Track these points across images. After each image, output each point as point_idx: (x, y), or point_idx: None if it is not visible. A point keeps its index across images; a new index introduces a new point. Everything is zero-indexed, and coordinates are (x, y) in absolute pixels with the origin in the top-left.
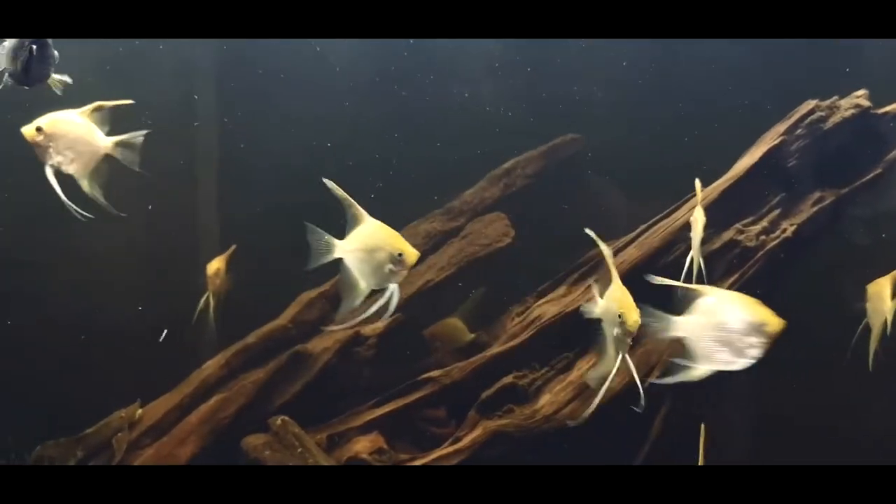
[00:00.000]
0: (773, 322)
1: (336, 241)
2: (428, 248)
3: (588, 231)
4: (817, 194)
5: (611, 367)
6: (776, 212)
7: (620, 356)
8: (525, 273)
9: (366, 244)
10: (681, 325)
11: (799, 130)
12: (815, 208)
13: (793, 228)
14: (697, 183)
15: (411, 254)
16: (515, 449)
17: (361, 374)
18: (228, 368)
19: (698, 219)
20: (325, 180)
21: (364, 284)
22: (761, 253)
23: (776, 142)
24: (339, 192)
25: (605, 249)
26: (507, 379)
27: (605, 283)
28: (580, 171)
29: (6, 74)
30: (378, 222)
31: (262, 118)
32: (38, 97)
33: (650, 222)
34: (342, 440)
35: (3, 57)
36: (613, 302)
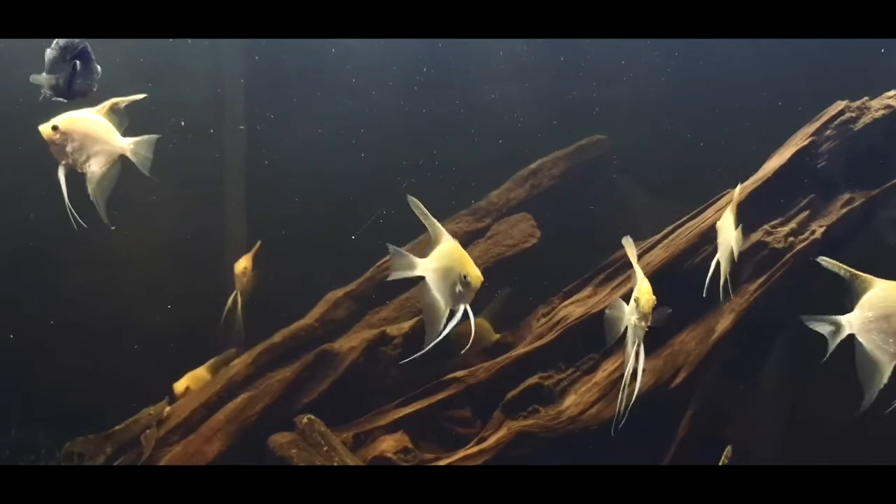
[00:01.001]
0: None
1: (418, 260)
2: None
3: (625, 241)
4: (847, 195)
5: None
6: (805, 213)
7: (636, 344)
8: (551, 274)
9: (441, 264)
10: (849, 324)
11: (828, 131)
12: (844, 210)
13: (822, 230)
14: (737, 190)
15: (475, 276)
16: (540, 449)
17: (387, 374)
18: (255, 367)
19: (726, 226)
20: (410, 197)
21: (443, 304)
22: (790, 255)
23: (805, 143)
24: (421, 208)
25: (630, 249)
26: (533, 379)
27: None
28: (607, 172)
29: (47, 87)
30: (454, 242)
31: (287, 119)
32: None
33: (677, 223)
34: (368, 439)
35: (45, 68)
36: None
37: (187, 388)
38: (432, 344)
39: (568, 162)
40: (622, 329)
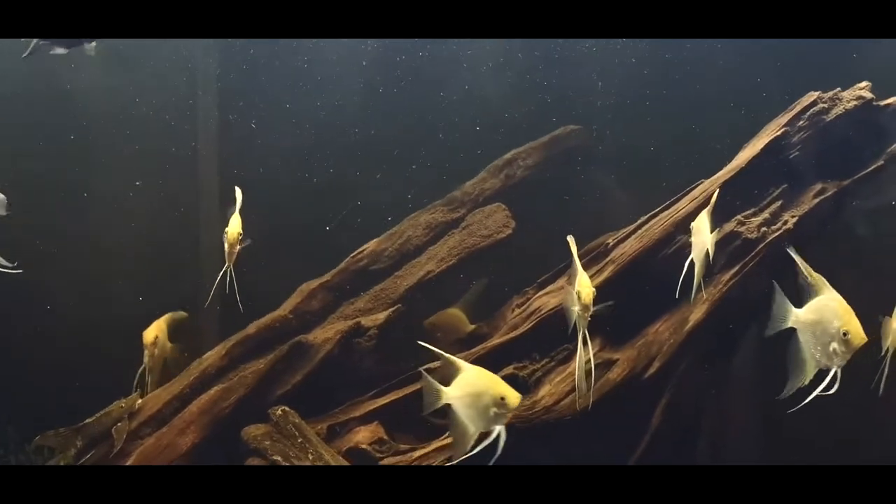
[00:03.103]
0: (857, 335)
1: (444, 389)
2: (429, 239)
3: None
4: (819, 186)
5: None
6: (778, 203)
7: (581, 333)
8: (525, 264)
9: (470, 390)
10: (794, 318)
11: (801, 122)
12: (816, 200)
13: (794, 220)
14: (714, 196)
15: (514, 397)
16: (515, 440)
17: (362, 365)
18: (229, 359)
19: (701, 228)
20: (421, 343)
21: (473, 428)
22: (762, 245)
23: (778, 133)
24: (436, 351)
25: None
26: (508, 370)
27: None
28: (581, 163)
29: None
30: (479, 368)
31: (262, 113)
32: None
33: (651, 214)
34: (342, 431)
35: None
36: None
37: (156, 338)
38: (459, 460)
39: (543, 152)
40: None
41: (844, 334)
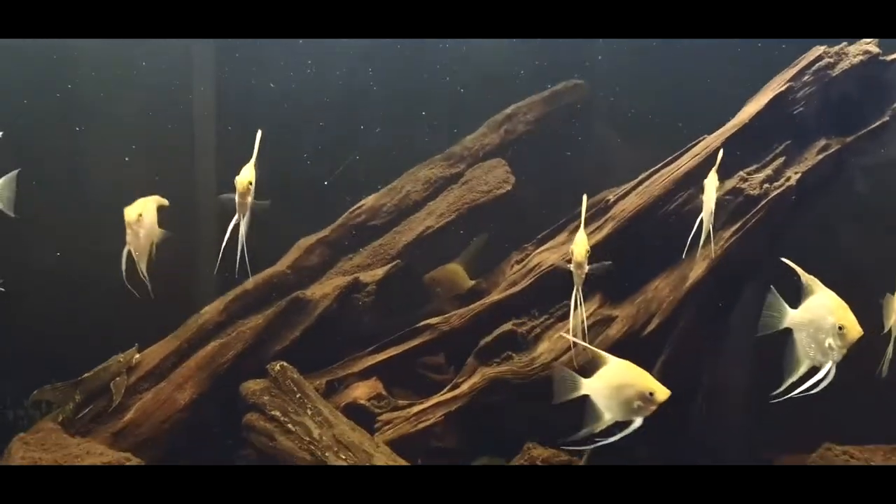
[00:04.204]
0: (853, 329)
1: (582, 380)
2: (428, 195)
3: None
4: (823, 142)
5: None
6: (781, 160)
7: (575, 291)
8: (525, 220)
9: (614, 382)
10: (790, 318)
11: (806, 77)
12: (819, 157)
13: (797, 177)
14: (720, 153)
15: (663, 392)
16: (514, 396)
17: (361, 321)
18: (227, 314)
19: (711, 184)
20: (564, 334)
21: (609, 416)
22: (765, 202)
23: (783, 88)
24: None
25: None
26: (507, 326)
27: None
28: (582, 118)
29: None
30: (626, 362)
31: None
32: None
33: (652, 170)
34: (341, 386)
35: None
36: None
37: (140, 216)
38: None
39: (543, 107)
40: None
41: (840, 328)
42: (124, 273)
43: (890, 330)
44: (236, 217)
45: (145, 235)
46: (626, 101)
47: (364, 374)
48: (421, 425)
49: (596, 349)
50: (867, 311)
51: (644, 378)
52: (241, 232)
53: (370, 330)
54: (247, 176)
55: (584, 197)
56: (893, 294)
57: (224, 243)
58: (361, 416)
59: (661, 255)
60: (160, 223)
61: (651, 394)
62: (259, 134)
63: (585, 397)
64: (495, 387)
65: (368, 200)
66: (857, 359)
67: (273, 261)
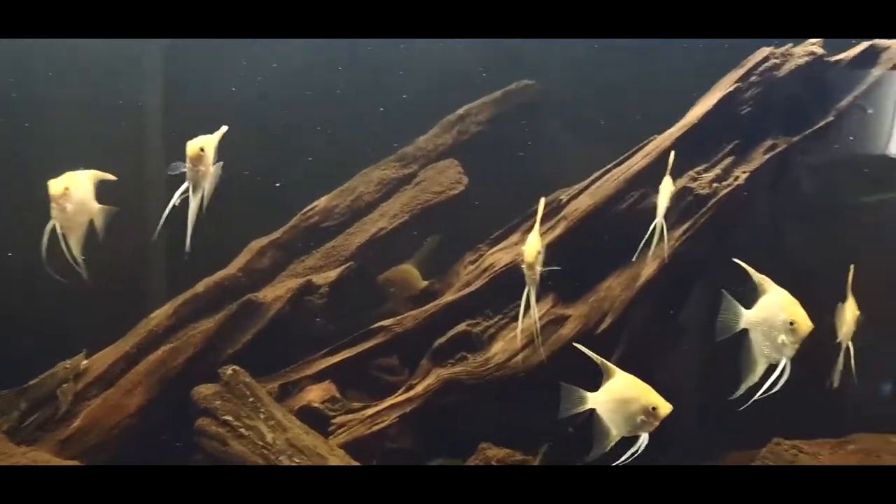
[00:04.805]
0: (803, 324)
1: (588, 395)
2: (381, 196)
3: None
4: (770, 142)
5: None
6: (729, 159)
7: (526, 291)
8: (479, 221)
9: (619, 396)
10: (745, 319)
11: (753, 78)
12: (767, 156)
13: (745, 176)
14: (671, 155)
15: (665, 407)
16: (468, 397)
17: (314, 323)
18: (177, 318)
19: (665, 187)
20: (577, 345)
21: (615, 432)
22: (714, 201)
23: (731, 89)
24: (593, 356)
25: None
26: (461, 327)
27: None
28: (534, 118)
29: None
30: (630, 376)
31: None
32: None
33: (604, 170)
34: (294, 389)
35: None
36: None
37: (66, 189)
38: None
39: (495, 108)
40: None
41: (791, 324)
42: (44, 252)
43: (841, 340)
44: (184, 186)
45: (75, 211)
46: (578, 100)
47: (318, 377)
48: (375, 427)
49: (604, 361)
50: (816, 308)
51: (648, 392)
52: (191, 206)
53: (323, 332)
54: (198, 141)
55: (542, 200)
56: (844, 304)
57: (167, 210)
58: (315, 419)
59: (614, 254)
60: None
61: (654, 408)
62: (224, 128)
63: (591, 412)
64: (450, 388)
65: (321, 202)
66: (804, 356)
67: (224, 263)
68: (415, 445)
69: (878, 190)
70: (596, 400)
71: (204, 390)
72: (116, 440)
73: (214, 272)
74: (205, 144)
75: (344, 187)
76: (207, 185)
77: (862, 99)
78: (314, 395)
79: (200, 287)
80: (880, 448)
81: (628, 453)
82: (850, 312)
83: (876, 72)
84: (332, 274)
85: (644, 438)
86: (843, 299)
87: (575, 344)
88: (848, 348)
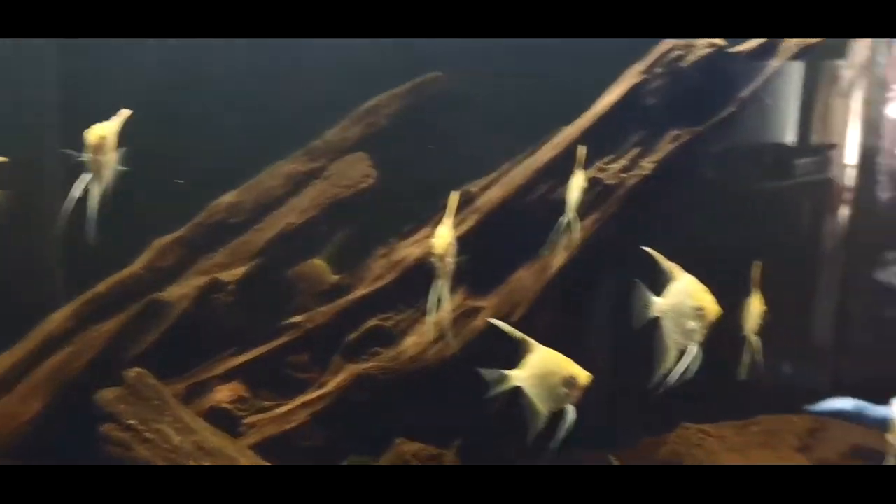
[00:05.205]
0: (711, 310)
1: (510, 373)
2: (289, 190)
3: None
4: (675, 132)
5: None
6: (636, 150)
7: (436, 283)
8: (389, 214)
9: (539, 370)
10: (656, 307)
11: (658, 69)
12: (672, 146)
13: (651, 166)
14: (581, 149)
15: (584, 376)
16: (382, 392)
17: (222, 322)
18: (77, 320)
19: (576, 181)
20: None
21: (542, 407)
22: (621, 191)
23: (636, 80)
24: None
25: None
26: (372, 321)
27: None
28: (444, 110)
29: None
30: (547, 349)
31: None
32: None
33: (514, 161)
34: (202, 390)
35: None
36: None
37: None
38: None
39: (405, 100)
40: None
41: (699, 310)
42: None
43: (747, 334)
44: (84, 176)
45: None
46: (487, 92)
47: (226, 377)
48: (287, 426)
49: (523, 335)
50: (723, 294)
51: (566, 363)
52: (91, 195)
53: (232, 330)
54: (98, 128)
55: (454, 194)
56: (750, 298)
57: (70, 203)
58: (225, 420)
59: (525, 245)
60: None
61: (573, 378)
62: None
63: (518, 389)
64: (362, 383)
65: (227, 197)
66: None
67: (127, 262)
68: (327, 443)
69: (777, 178)
70: (519, 377)
71: (107, 394)
72: (15, 448)
73: (117, 272)
74: (105, 131)
75: (251, 182)
76: (109, 174)
77: (762, 90)
78: (223, 395)
79: (102, 287)
80: (783, 428)
81: (560, 430)
82: (755, 307)
83: (775, 63)
84: (240, 270)
85: (571, 412)
86: (749, 294)
87: (490, 319)
88: (754, 342)
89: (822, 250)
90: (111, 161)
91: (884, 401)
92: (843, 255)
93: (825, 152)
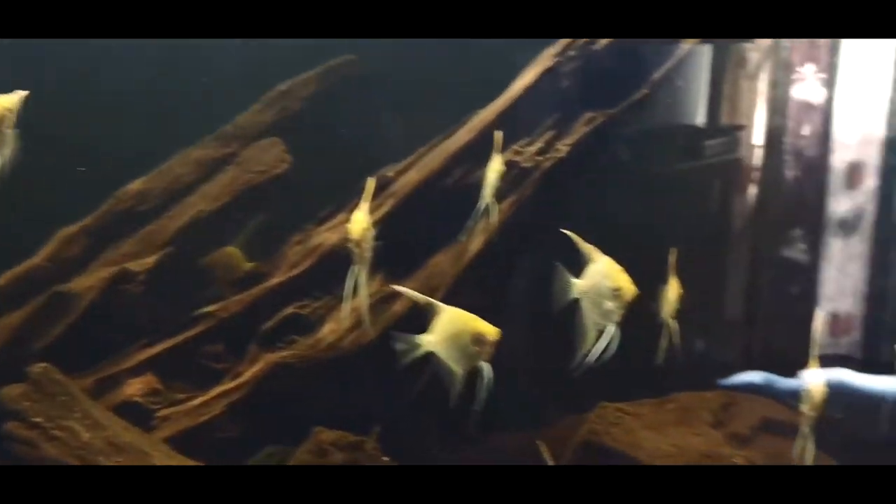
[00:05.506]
0: (627, 290)
1: (419, 338)
2: (200, 177)
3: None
4: (589, 115)
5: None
6: (551, 133)
7: (353, 269)
8: (304, 200)
9: (448, 331)
10: (576, 288)
11: (571, 52)
12: (586, 128)
13: (566, 149)
14: (497, 134)
15: (492, 332)
16: (300, 380)
17: (132, 313)
18: None
19: (493, 166)
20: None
21: (457, 368)
22: (537, 174)
23: (550, 63)
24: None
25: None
26: (289, 309)
27: None
28: (358, 94)
29: None
30: (454, 309)
31: None
32: None
33: (429, 145)
34: (112, 384)
35: None
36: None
37: None
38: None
39: (318, 83)
40: None
41: (616, 291)
42: None
43: (664, 319)
44: None
45: None
46: (401, 75)
47: (138, 370)
48: (202, 418)
49: (427, 299)
50: (638, 274)
51: (473, 320)
52: None
53: (143, 322)
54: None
55: (371, 179)
56: (667, 284)
57: None
58: (137, 414)
59: (443, 229)
60: None
61: (481, 335)
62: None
63: (431, 355)
64: (279, 372)
65: (135, 185)
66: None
67: (29, 254)
68: (245, 434)
69: (688, 158)
70: (429, 341)
71: (11, 391)
72: None
73: (19, 264)
74: (5, 102)
75: (160, 169)
76: (7, 151)
77: (673, 72)
78: (134, 388)
79: (2, 280)
80: (697, 404)
81: (479, 389)
82: (672, 292)
83: (685, 45)
84: (150, 260)
85: (487, 369)
86: (666, 280)
87: (395, 286)
88: (671, 326)
89: (732, 228)
90: (9, 136)
91: (792, 373)
92: (751, 233)
93: (734, 133)
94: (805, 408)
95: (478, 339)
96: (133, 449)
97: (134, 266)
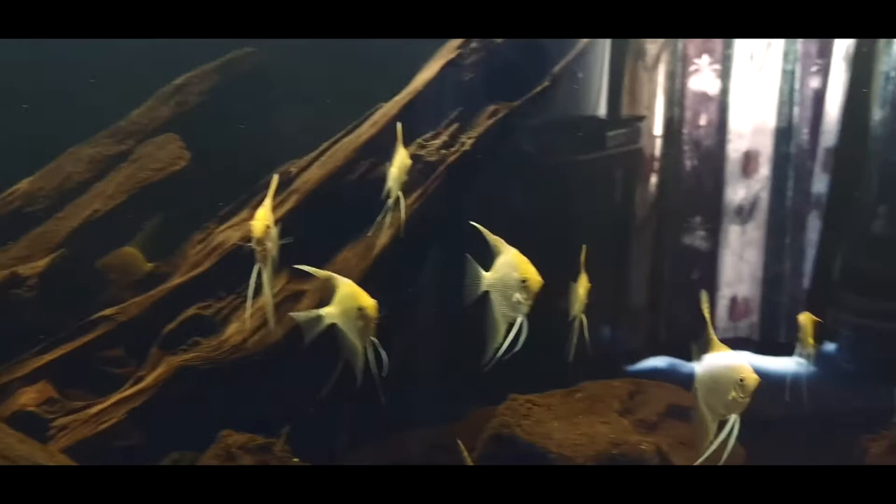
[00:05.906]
0: (534, 281)
1: (324, 311)
2: (93, 175)
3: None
4: (493, 107)
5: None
6: (455, 126)
7: (257, 268)
8: (205, 198)
9: (341, 305)
10: (485, 282)
11: (473, 44)
12: (490, 121)
13: (471, 141)
14: (398, 126)
15: (370, 306)
16: (205, 383)
17: (24, 319)
18: None
19: (398, 159)
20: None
21: (356, 343)
22: (442, 167)
23: (452, 55)
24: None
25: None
26: (191, 310)
27: None
28: (258, 88)
29: None
30: (343, 284)
31: None
32: None
33: (332, 140)
34: (4, 394)
35: None
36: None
37: None
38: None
39: (216, 77)
40: None
41: (523, 282)
42: None
43: (574, 317)
44: None
45: None
46: (302, 69)
47: (31, 378)
48: (102, 426)
49: (326, 272)
50: (545, 264)
51: (359, 294)
52: None
53: (36, 328)
54: None
55: (274, 176)
56: (576, 281)
57: None
58: (32, 424)
59: (348, 225)
60: None
61: (363, 309)
62: None
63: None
64: (183, 375)
65: (22, 185)
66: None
67: None
68: (148, 440)
69: (590, 149)
70: (331, 313)
71: None
72: None
73: None
74: None
75: (49, 167)
76: None
77: (574, 63)
78: (28, 397)
79: None
80: (605, 393)
81: (373, 365)
82: (582, 288)
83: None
84: (41, 263)
85: (377, 345)
86: (575, 278)
87: (298, 266)
88: (581, 322)
89: (635, 218)
90: None
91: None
92: (653, 222)
93: (635, 124)
94: (737, 395)
95: (361, 313)
96: (28, 461)
97: (24, 270)
